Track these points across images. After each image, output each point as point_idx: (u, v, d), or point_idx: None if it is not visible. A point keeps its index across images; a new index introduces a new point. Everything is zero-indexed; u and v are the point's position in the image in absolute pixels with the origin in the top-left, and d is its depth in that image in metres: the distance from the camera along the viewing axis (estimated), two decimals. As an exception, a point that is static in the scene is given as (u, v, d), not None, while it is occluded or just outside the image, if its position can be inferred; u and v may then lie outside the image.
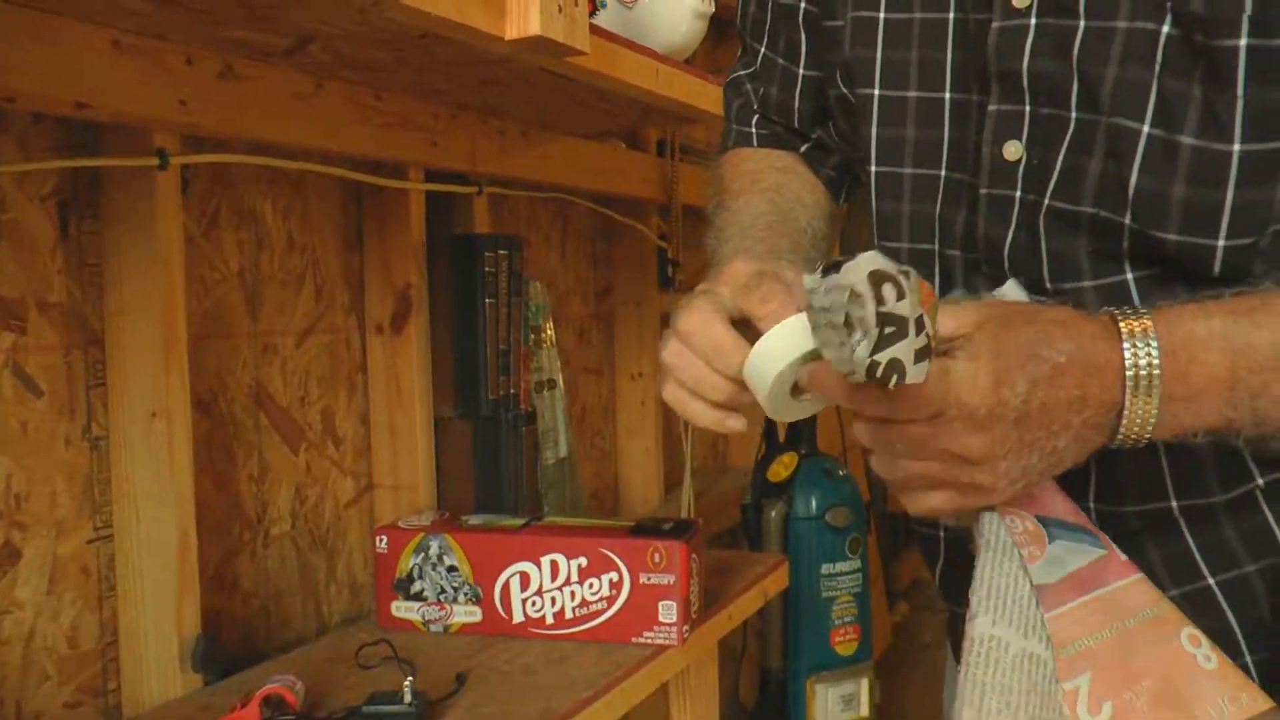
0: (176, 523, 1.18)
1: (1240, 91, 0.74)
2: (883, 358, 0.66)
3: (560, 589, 1.30)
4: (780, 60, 1.07)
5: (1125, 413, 0.73)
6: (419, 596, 1.37)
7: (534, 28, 1.03)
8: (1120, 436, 0.75)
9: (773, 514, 2.32)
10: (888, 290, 0.66)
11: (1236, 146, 0.75)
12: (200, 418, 1.31)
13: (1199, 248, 0.78)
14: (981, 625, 0.79)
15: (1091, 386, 0.73)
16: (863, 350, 0.66)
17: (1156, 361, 0.72)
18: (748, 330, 0.82)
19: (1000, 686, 0.77)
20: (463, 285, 1.59)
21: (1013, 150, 0.84)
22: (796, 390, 0.80)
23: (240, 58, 1.22)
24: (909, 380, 0.67)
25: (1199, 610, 0.85)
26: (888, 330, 0.66)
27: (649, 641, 1.28)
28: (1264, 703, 0.76)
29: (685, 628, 1.29)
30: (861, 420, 0.77)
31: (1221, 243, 0.77)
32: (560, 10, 1.05)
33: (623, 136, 2.10)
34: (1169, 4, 0.75)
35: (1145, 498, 0.85)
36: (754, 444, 2.52)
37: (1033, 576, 0.78)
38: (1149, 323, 0.73)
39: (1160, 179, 0.77)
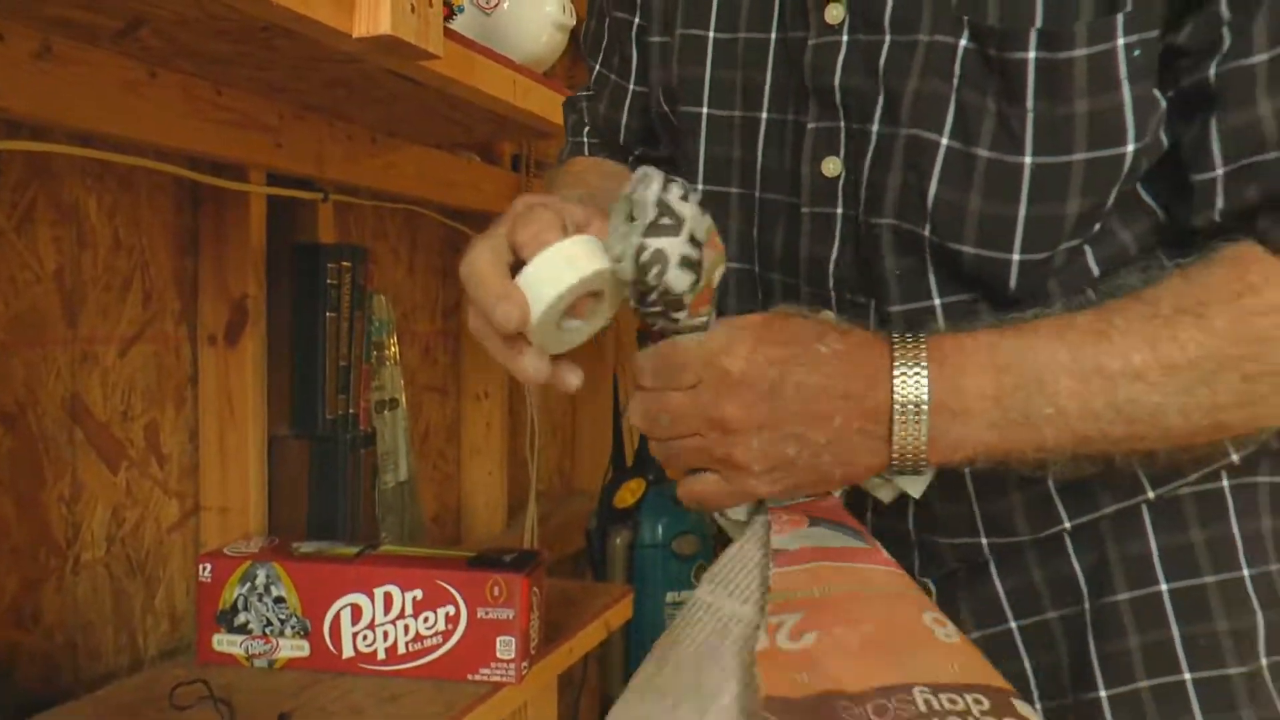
0: (-36, 548, 1.07)
1: (1030, 105, 0.75)
2: (650, 243, 0.70)
3: (394, 623, 1.23)
4: (613, 76, 1.07)
5: (895, 422, 0.73)
6: (243, 629, 1.28)
7: (384, 26, 0.96)
8: (896, 450, 0.74)
9: (618, 541, 2.29)
10: (673, 188, 0.70)
11: (1028, 159, 0.75)
12: (3, 432, 1.20)
13: (994, 262, 0.78)
14: (700, 593, 0.78)
15: (854, 383, 0.73)
16: (636, 234, 0.70)
17: (924, 371, 0.73)
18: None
19: (694, 640, 0.75)
20: (303, 297, 1.50)
21: (831, 167, 0.84)
22: (566, 318, 0.78)
23: (62, 37, 1.12)
24: (669, 279, 0.70)
25: (998, 653, 0.85)
26: (663, 220, 0.70)
27: (485, 679, 1.21)
28: (1001, 682, 0.70)
29: (524, 664, 1.23)
30: (633, 398, 0.78)
31: (1016, 257, 0.78)
32: (413, 10, 0.99)
33: (476, 149, 2.04)
34: (966, 18, 0.76)
35: (956, 531, 0.86)
36: (601, 468, 2.48)
37: (774, 543, 0.75)
38: (920, 341, 0.74)
39: (958, 190, 0.78)
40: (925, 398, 0.72)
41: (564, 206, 0.76)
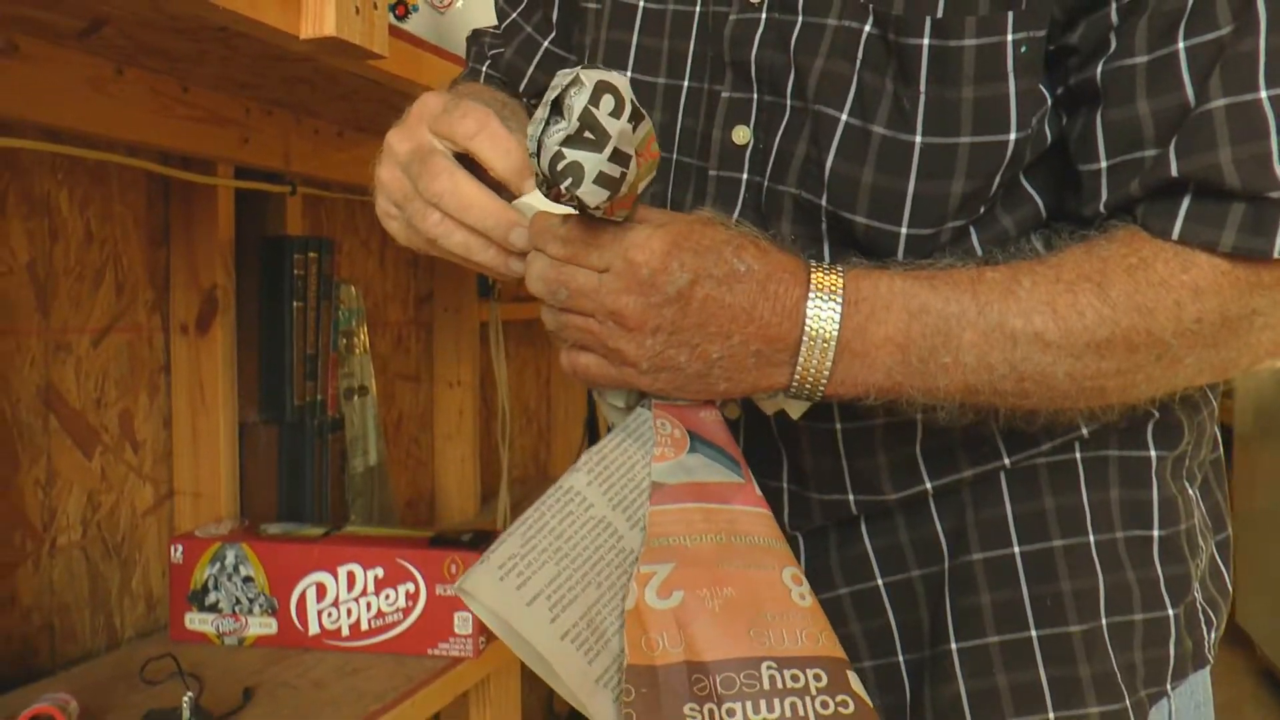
0: (-59, 531, 1.12)
1: (922, 87, 0.79)
2: (569, 154, 0.68)
3: (356, 600, 1.27)
4: (528, 28, 1.09)
5: (801, 353, 0.75)
6: (214, 608, 1.32)
7: (329, 28, 1.00)
8: (796, 380, 0.76)
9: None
10: (606, 100, 0.67)
11: (918, 138, 0.80)
12: (-22, 418, 1.24)
13: (884, 233, 0.82)
14: (575, 479, 0.78)
15: (762, 306, 0.74)
16: (555, 137, 0.67)
17: (838, 309, 0.75)
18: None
19: (558, 532, 0.76)
20: (270, 287, 1.54)
21: (741, 135, 0.88)
22: None
23: (27, 36, 1.16)
24: (581, 193, 0.69)
25: (865, 609, 0.91)
26: (586, 134, 0.67)
27: (444, 653, 1.26)
28: (838, 652, 0.76)
29: (481, 639, 1.27)
30: (537, 260, 0.78)
31: (904, 230, 0.81)
32: (358, 12, 1.03)
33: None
34: (871, 5, 0.81)
35: (826, 488, 0.90)
36: (574, 454, 2.52)
37: (653, 473, 0.77)
38: (838, 274, 0.76)
39: (853, 164, 0.82)
40: (834, 336, 0.75)
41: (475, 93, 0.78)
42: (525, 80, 1.10)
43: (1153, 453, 0.88)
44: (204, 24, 1.07)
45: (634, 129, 0.69)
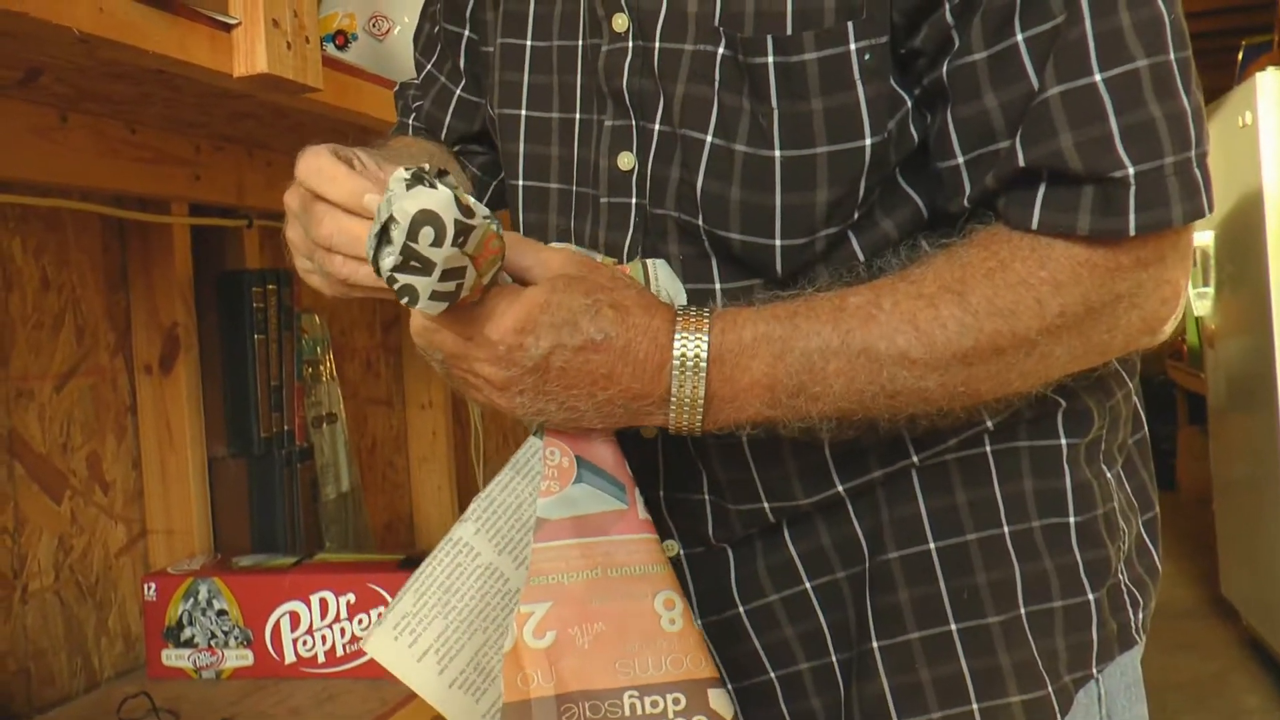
0: (-90, 585, 1.12)
1: (775, 104, 0.82)
2: (401, 279, 0.71)
3: (330, 626, 1.29)
4: (442, 78, 1.12)
5: (672, 405, 0.79)
6: (190, 643, 1.33)
7: (261, 65, 1.02)
8: (671, 425, 0.80)
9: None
10: (425, 233, 0.69)
11: (778, 153, 0.82)
12: (-58, 470, 1.25)
13: (759, 247, 0.84)
14: (464, 530, 0.83)
15: (622, 371, 0.78)
16: (387, 263, 0.71)
17: (703, 367, 0.78)
18: None
19: (446, 586, 0.82)
20: (230, 322, 1.56)
21: (625, 161, 0.90)
22: None
23: (-33, 91, 1.18)
24: (420, 309, 0.73)
25: (796, 613, 0.93)
26: (412, 263, 0.70)
27: (420, 675, 1.27)
28: (702, 671, 0.81)
29: (460, 658, 1.28)
30: (415, 320, 0.81)
31: (778, 242, 0.84)
32: (289, 47, 1.04)
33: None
34: (722, 29, 0.83)
35: (741, 498, 0.91)
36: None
37: (539, 508, 0.81)
38: (705, 323, 0.79)
39: (721, 183, 0.84)
40: (700, 394, 0.79)
41: (340, 153, 0.82)
42: (444, 130, 1.13)
43: (1063, 441, 0.89)
44: (140, 68, 1.08)
45: (463, 245, 0.71)
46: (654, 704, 0.78)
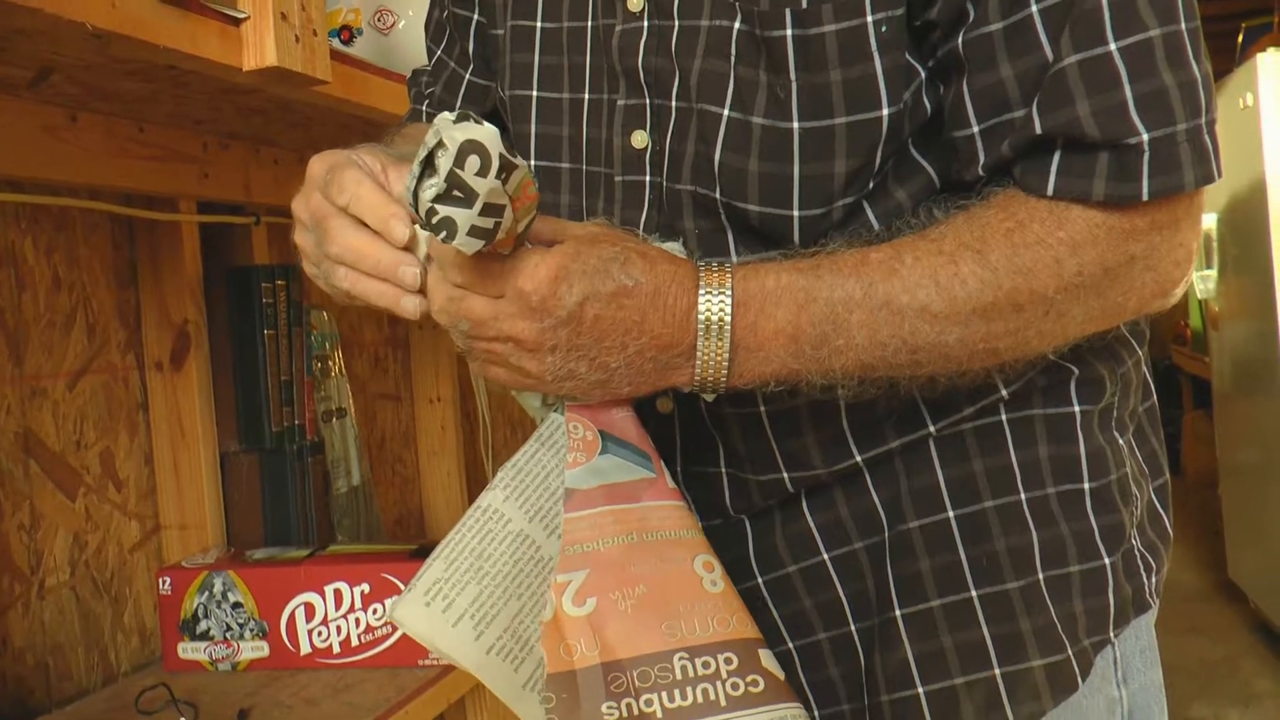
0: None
1: (793, 76, 0.83)
2: (441, 210, 0.71)
3: (345, 616, 1.30)
4: (452, 63, 1.13)
5: (699, 354, 0.79)
6: (205, 636, 1.34)
7: (270, 59, 1.03)
8: (696, 380, 0.81)
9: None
10: (472, 161, 0.69)
11: (796, 124, 0.83)
12: (-42, 468, 1.26)
13: (777, 218, 0.86)
14: (492, 498, 0.82)
15: (653, 318, 0.79)
16: (428, 193, 0.71)
17: (729, 311, 0.79)
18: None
19: (478, 552, 0.80)
20: (240, 318, 1.57)
21: (639, 139, 0.92)
22: None
23: (-22, 90, 1.19)
24: (457, 244, 0.72)
25: (814, 583, 0.94)
26: (455, 192, 0.70)
27: (435, 662, 1.28)
28: (750, 631, 0.81)
29: (474, 646, 1.29)
30: (438, 292, 0.81)
31: (796, 213, 0.85)
32: (298, 40, 1.05)
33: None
34: (738, 4, 0.85)
35: (761, 469, 0.92)
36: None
37: (567, 480, 0.81)
38: (727, 274, 0.80)
39: (739, 156, 0.85)
40: (726, 338, 0.79)
41: (357, 158, 0.83)
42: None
43: (1077, 408, 0.91)
44: (151, 64, 1.09)
45: (505, 181, 0.71)
46: (705, 665, 0.78)
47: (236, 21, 1.05)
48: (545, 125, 0.98)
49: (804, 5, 0.82)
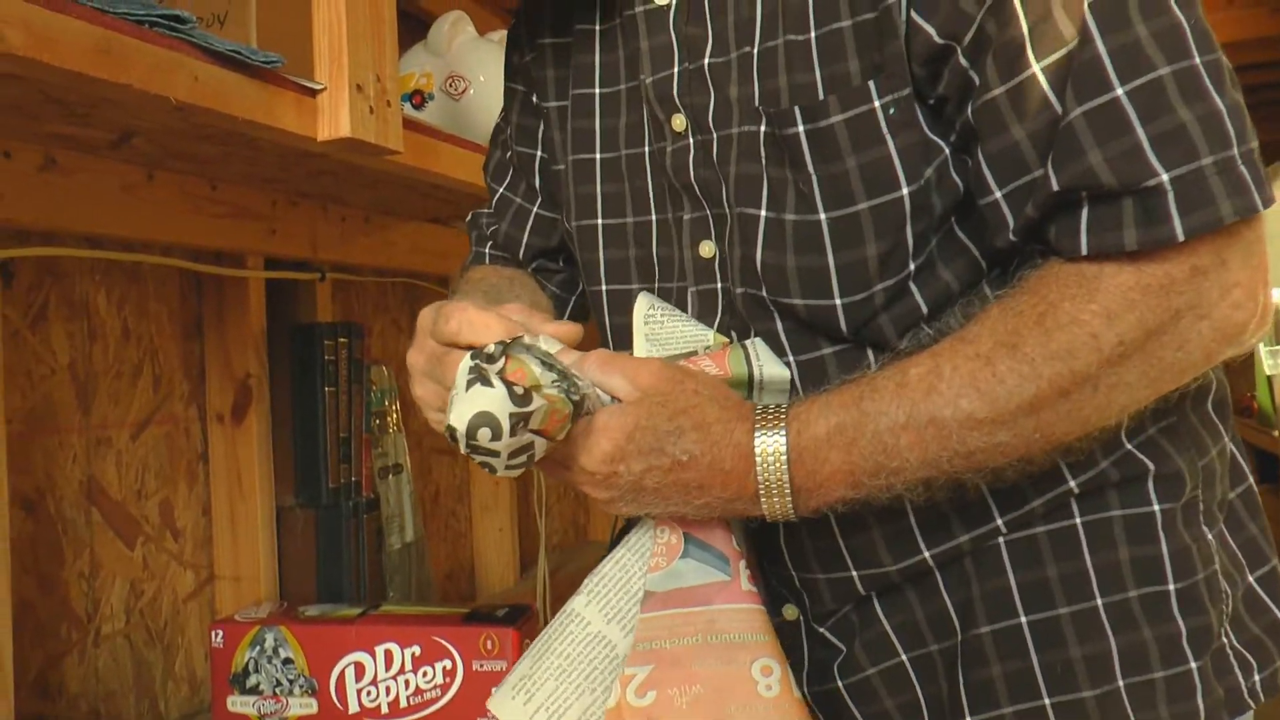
0: (-10, 629, 1.15)
1: (811, 169, 0.86)
2: (476, 458, 0.78)
3: (395, 678, 1.30)
4: (518, 199, 1.18)
5: (763, 504, 0.84)
6: (255, 690, 1.35)
7: (344, 129, 1.05)
8: (767, 515, 0.85)
9: (631, 589, 2.33)
10: (483, 433, 0.75)
11: (822, 215, 0.86)
12: (24, 517, 1.28)
13: (822, 309, 0.88)
14: (576, 602, 0.90)
15: (712, 483, 0.84)
16: (462, 447, 0.77)
17: (785, 469, 0.82)
18: None
19: (559, 651, 0.88)
20: (302, 374, 1.59)
21: (707, 249, 0.95)
22: None
23: (63, 149, 1.22)
24: (500, 476, 0.81)
25: (894, 685, 0.94)
26: (478, 456, 0.77)
27: (482, 729, 1.28)
28: None
29: (522, 713, 1.29)
30: None
31: (838, 301, 0.87)
32: (371, 111, 1.07)
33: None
34: (762, 108, 0.87)
35: (828, 566, 0.93)
36: (612, 519, 2.53)
37: (647, 583, 0.87)
38: (781, 431, 0.83)
39: (777, 253, 0.88)
40: (788, 494, 0.83)
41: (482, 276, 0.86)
42: (523, 248, 1.19)
43: (1157, 507, 0.88)
44: (228, 130, 1.12)
45: (524, 427, 0.76)
46: None
47: (313, 93, 1.08)
48: (613, 250, 1.02)
49: (812, 100, 0.85)
